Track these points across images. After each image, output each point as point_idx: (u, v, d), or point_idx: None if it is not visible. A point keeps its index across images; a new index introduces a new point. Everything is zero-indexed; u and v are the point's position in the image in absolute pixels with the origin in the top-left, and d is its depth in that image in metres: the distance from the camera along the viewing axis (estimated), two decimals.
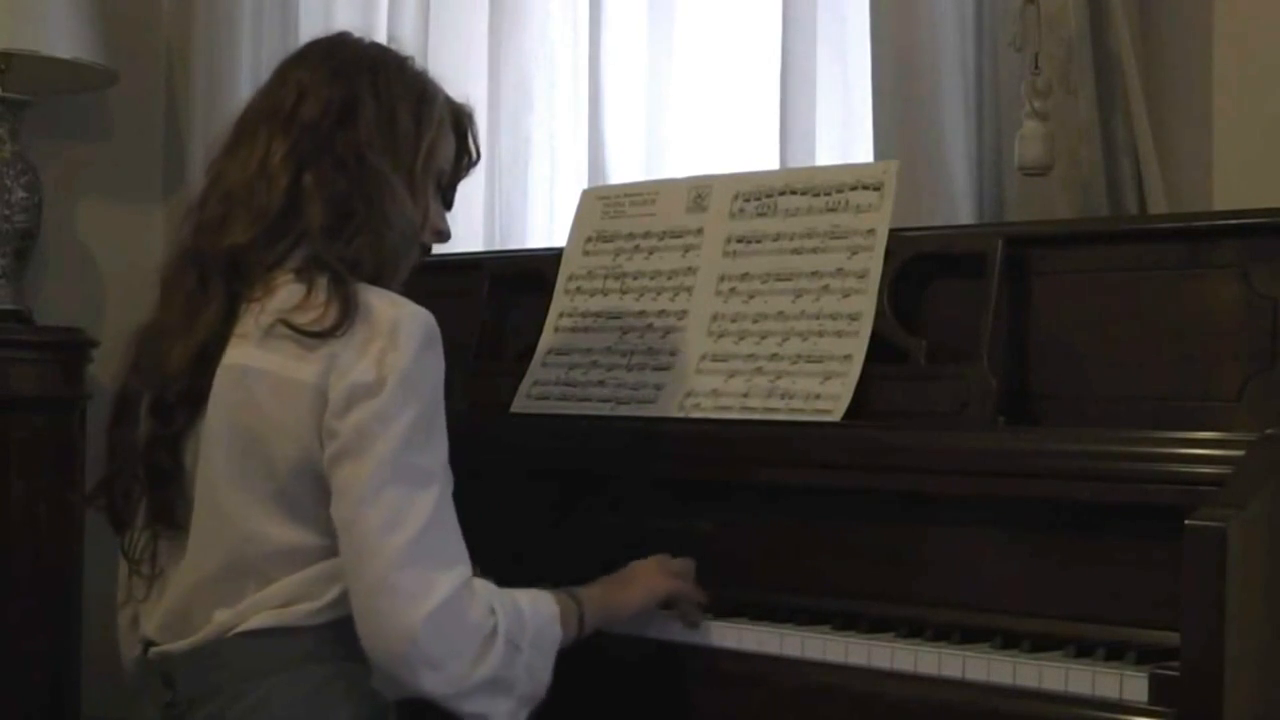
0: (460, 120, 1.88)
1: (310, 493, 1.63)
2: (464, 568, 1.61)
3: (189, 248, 1.76)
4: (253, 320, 1.67)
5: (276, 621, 1.64)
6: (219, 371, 1.67)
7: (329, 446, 1.61)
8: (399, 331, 1.62)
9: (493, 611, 1.61)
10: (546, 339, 2.24)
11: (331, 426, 1.61)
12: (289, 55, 1.84)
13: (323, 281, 1.65)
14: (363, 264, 1.69)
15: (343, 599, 1.63)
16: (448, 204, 1.92)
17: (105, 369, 3.15)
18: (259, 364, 1.64)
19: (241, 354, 1.66)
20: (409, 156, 1.77)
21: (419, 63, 1.85)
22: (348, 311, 1.62)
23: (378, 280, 1.70)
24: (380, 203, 1.72)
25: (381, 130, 1.75)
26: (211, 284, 1.70)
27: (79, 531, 3.04)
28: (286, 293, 1.67)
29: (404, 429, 1.60)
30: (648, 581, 1.84)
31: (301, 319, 1.63)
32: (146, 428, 1.71)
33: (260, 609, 1.64)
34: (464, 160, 1.91)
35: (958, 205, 2.33)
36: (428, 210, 1.83)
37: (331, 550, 1.63)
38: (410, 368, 1.61)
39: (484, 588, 1.63)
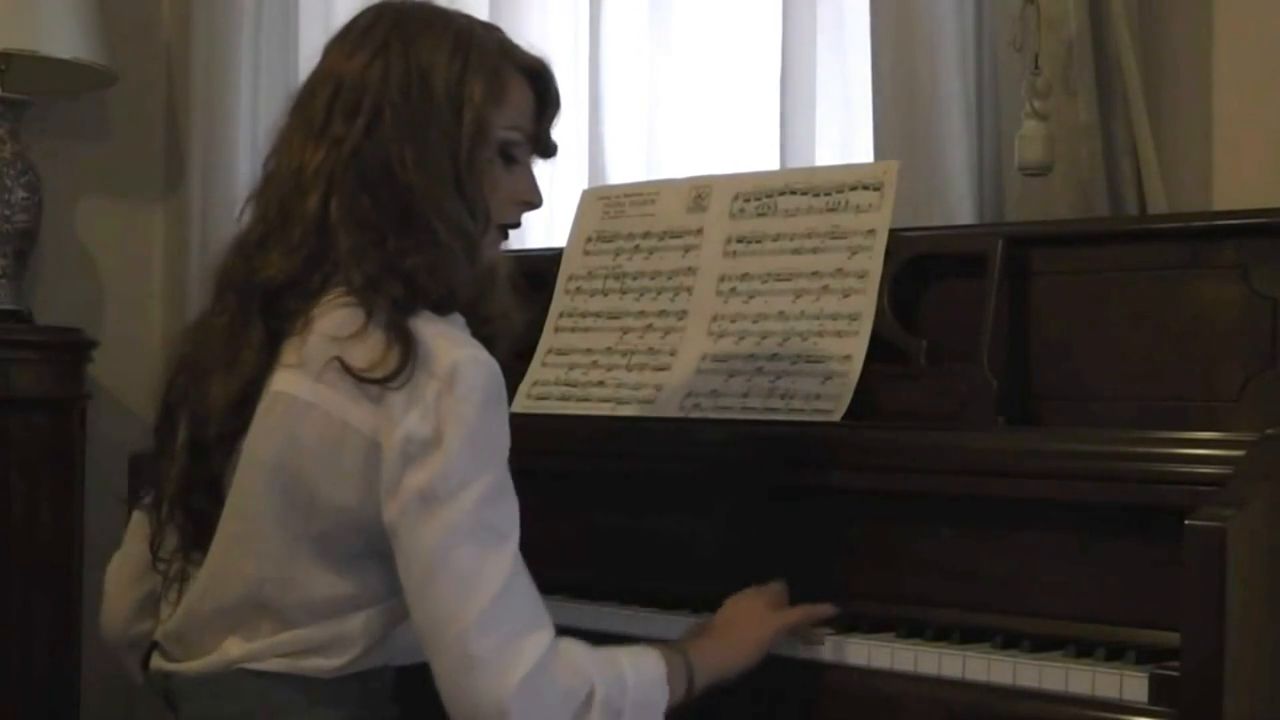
0: (531, 73, 1.68)
1: (349, 540, 1.55)
2: (548, 629, 1.51)
3: (227, 273, 1.63)
4: (302, 348, 1.54)
5: (288, 669, 1.56)
6: (267, 396, 1.55)
7: (389, 507, 1.49)
8: (457, 378, 1.49)
9: (588, 677, 1.50)
10: (546, 339, 2.24)
11: (391, 484, 1.49)
12: (337, 32, 1.67)
13: (381, 316, 1.51)
14: (425, 287, 1.55)
15: (360, 659, 1.57)
16: (547, 154, 1.73)
17: (105, 369, 3.16)
18: (309, 396, 1.52)
19: (292, 382, 1.54)
20: (451, 148, 1.59)
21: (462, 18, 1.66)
22: (408, 354, 1.49)
23: (450, 300, 1.57)
24: (419, 217, 1.57)
25: (413, 134, 1.58)
26: (251, 320, 1.57)
27: (79, 531, 3.04)
28: (340, 318, 1.53)
29: (477, 493, 1.48)
30: (758, 632, 1.70)
31: (358, 360, 1.50)
32: (183, 464, 1.62)
33: (274, 654, 1.56)
34: (550, 111, 1.71)
35: (958, 205, 2.33)
36: (487, 199, 1.63)
37: (359, 603, 1.56)
38: (476, 424, 1.49)
39: (576, 650, 1.52)
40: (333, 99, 1.61)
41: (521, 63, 1.68)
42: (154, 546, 1.67)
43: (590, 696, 1.49)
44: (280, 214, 1.60)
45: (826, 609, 1.74)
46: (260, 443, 1.56)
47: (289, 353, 1.56)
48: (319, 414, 1.52)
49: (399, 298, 1.53)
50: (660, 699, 1.56)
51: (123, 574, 1.78)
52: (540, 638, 1.49)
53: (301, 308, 1.57)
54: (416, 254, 1.56)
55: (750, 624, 1.71)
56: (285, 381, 1.55)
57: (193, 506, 1.61)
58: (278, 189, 1.62)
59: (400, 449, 1.48)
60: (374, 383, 1.49)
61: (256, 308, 1.58)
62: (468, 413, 1.48)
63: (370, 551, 1.55)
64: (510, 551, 1.51)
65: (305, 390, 1.53)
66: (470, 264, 1.60)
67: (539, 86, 1.70)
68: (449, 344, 1.52)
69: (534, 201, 1.71)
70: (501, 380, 1.53)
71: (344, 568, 1.55)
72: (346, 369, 1.50)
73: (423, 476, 1.48)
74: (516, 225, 1.72)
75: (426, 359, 1.50)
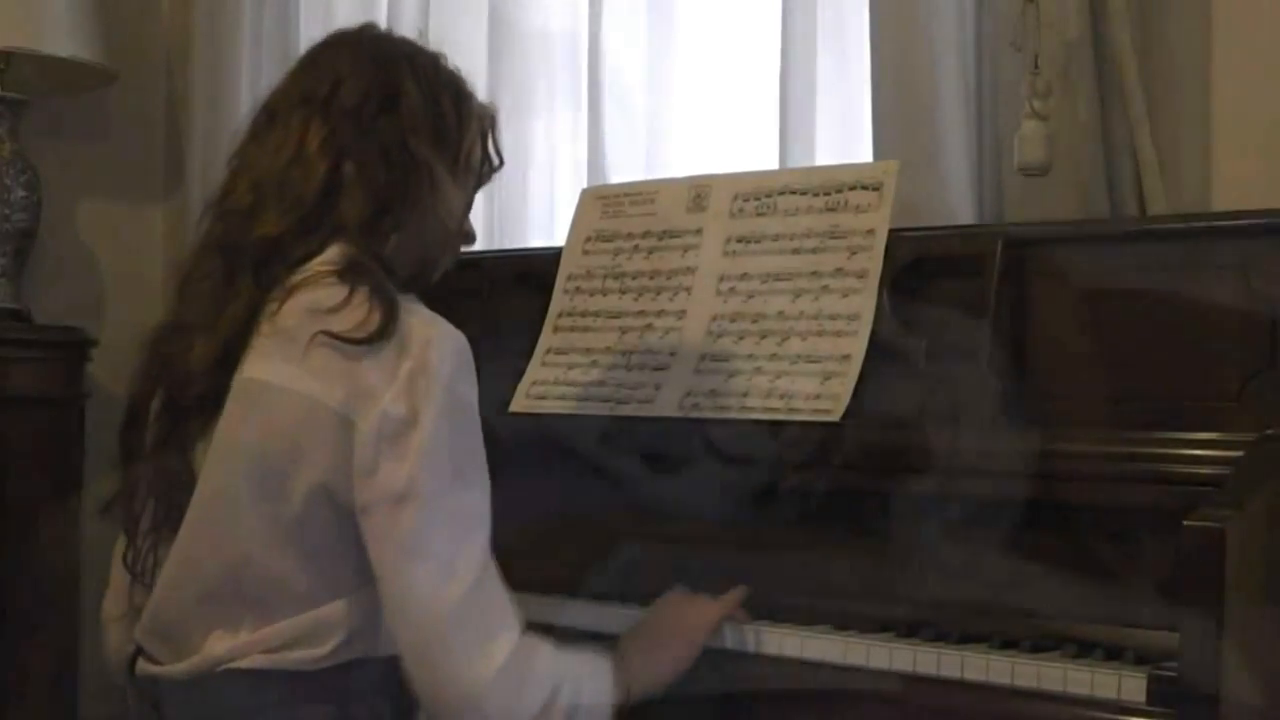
0: (484, 122, 1.79)
1: (323, 521, 1.56)
2: (517, 626, 1.55)
3: (215, 239, 1.66)
4: (282, 322, 1.57)
5: (272, 665, 1.57)
6: (240, 382, 1.58)
7: (363, 488, 1.52)
8: (430, 353, 1.53)
9: (554, 677, 1.55)
10: (546, 339, 2.24)
11: (366, 466, 1.52)
12: (317, 43, 1.76)
13: (364, 286, 1.55)
14: (398, 266, 1.63)
15: (343, 647, 1.57)
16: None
17: (105, 369, 3.16)
18: (280, 380, 1.55)
19: (265, 368, 1.57)
20: (453, 148, 1.70)
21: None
22: (391, 317, 1.53)
23: (414, 282, 1.64)
24: (423, 197, 1.65)
25: (426, 119, 1.67)
26: (239, 277, 1.60)
27: (79, 531, 3.04)
28: (326, 292, 1.56)
29: (449, 469, 1.52)
30: (687, 640, 1.74)
31: (342, 325, 1.53)
32: (158, 428, 1.64)
33: (256, 649, 1.57)
34: (486, 165, 1.81)
35: (958, 205, 2.33)
36: (469, 205, 1.77)
37: (337, 590, 1.57)
38: (447, 400, 1.53)
39: (542, 648, 1.57)
40: (336, 85, 1.67)
41: (481, 112, 1.79)
42: (129, 521, 1.68)
43: (556, 693, 1.54)
44: (276, 182, 1.64)
45: (734, 598, 1.78)
46: (233, 429, 1.58)
47: (264, 326, 1.58)
48: (291, 396, 1.55)
49: (378, 275, 1.59)
50: (608, 704, 1.62)
51: (115, 608, 1.80)
52: (512, 635, 1.53)
53: (282, 274, 1.60)
54: (408, 230, 1.65)
55: (682, 635, 1.75)
56: (258, 368, 1.58)
57: (164, 466, 1.63)
58: (267, 167, 1.66)
59: (376, 429, 1.51)
60: (357, 343, 1.52)
61: (249, 266, 1.61)
62: (441, 391, 1.53)
63: (344, 537, 1.56)
64: (483, 543, 1.55)
65: (276, 375, 1.56)
66: (445, 252, 1.71)
67: (485, 142, 1.80)
68: (420, 322, 1.57)
69: (472, 234, 1.82)
70: (470, 354, 1.58)
71: (319, 555, 1.57)
72: (333, 337, 1.53)
73: (401, 467, 1.51)
74: (458, 254, 1.82)
75: (402, 332, 1.54)
